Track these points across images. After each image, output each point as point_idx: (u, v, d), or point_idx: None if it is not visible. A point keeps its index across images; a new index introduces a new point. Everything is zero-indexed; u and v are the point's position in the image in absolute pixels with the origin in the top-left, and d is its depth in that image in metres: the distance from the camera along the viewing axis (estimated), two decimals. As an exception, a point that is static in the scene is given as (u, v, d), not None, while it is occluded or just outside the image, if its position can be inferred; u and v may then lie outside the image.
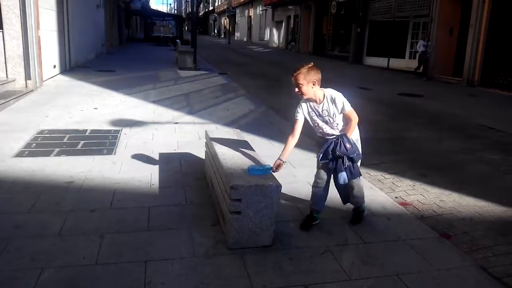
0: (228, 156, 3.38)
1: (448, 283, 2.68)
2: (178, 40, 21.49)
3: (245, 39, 48.00)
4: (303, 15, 29.20)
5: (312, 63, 3.06)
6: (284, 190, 3.06)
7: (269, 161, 3.25)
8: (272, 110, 8.08)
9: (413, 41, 18.41)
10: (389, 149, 5.97)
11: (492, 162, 5.52)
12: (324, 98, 3.06)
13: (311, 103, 3.12)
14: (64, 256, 2.74)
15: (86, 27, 15.30)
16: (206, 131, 4.30)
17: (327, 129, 3.15)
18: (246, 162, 3.26)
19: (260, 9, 41.06)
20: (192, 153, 5.08)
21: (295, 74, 2.98)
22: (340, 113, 3.07)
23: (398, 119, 8.13)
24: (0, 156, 4.65)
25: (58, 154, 4.82)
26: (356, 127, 3.19)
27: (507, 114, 9.25)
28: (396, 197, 4.14)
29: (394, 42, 18.72)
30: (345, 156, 3.03)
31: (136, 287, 2.47)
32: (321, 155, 3.10)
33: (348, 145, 3.01)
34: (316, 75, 2.99)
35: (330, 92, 3.07)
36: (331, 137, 3.13)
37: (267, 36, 39.84)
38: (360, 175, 3.25)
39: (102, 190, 3.85)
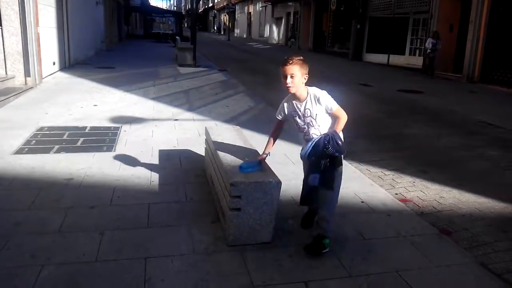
0: (228, 153, 3.37)
1: (448, 279, 2.69)
2: (177, 37, 21.44)
3: (244, 36, 47.89)
4: (303, 12, 29.13)
5: (301, 56, 2.86)
6: (283, 187, 3.05)
7: (269, 158, 3.25)
8: (272, 106, 8.05)
9: (413, 38, 18.39)
10: (389, 145, 5.96)
11: (492, 158, 5.52)
12: (307, 96, 2.84)
13: (293, 101, 2.90)
14: (64, 253, 2.74)
15: (85, 24, 15.25)
16: (206, 128, 4.29)
17: (308, 131, 2.92)
18: (246, 159, 3.26)
19: (260, 6, 40.96)
20: (192, 150, 5.08)
21: (291, 62, 2.74)
22: (326, 113, 2.84)
23: (398, 115, 8.12)
24: (0, 153, 4.64)
25: (58, 151, 4.81)
26: (341, 133, 2.94)
27: (507, 111, 9.25)
28: (396, 194, 4.14)
29: (394, 38, 18.69)
30: (329, 155, 2.75)
31: (136, 284, 2.47)
32: (308, 151, 2.78)
33: (339, 142, 2.76)
34: (306, 69, 2.81)
35: (313, 90, 2.85)
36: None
37: (266, 33, 39.76)
38: (332, 189, 2.85)
39: (102, 187, 3.85)
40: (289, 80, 2.76)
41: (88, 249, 2.79)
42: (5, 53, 8.42)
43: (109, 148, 4.99)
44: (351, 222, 3.37)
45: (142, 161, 4.61)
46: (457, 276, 2.73)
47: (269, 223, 2.98)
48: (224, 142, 3.70)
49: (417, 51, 18.00)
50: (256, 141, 4.92)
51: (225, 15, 52.55)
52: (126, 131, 5.80)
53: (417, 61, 17.25)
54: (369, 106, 8.99)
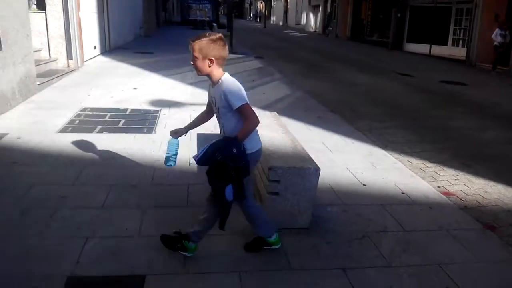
0: (266, 138, 3.36)
1: (492, 275, 2.59)
2: (214, 24, 21.53)
3: (281, 23, 47.45)
4: None
5: (220, 35, 2.40)
6: (322, 174, 3.00)
7: (305, 145, 3.26)
8: (308, 95, 7.98)
9: (456, 28, 17.66)
10: (431, 137, 5.77)
11: (541, 154, 5.25)
12: (217, 83, 2.41)
13: (209, 84, 2.53)
14: (107, 227, 2.83)
15: (124, 10, 15.52)
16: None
17: (219, 123, 2.55)
18: (284, 144, 3.26)
19: (297, -7, 40.40)
20: (229, 134, 5.08)
21: (192, 43, 2.32)
22: (231, 110, 2.35)
23: (441, 107, 7.84)
24: (45, 131, 4.82)
25: (100, 131, 4.95)
26: (257, 136, 2.54)
27: (558, 106, 8.75)
28: (438, 187, 4.01)
29: (436, 28, 17.99)
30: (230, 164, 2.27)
31: (177, 258, 2.52)
32: (199, 156, 2.37)
33: (234, 150, 2.26)
34: (217, 51, 2.35)
35: (225, 78, 2.40)
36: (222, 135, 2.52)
37: (303, 21, 39.23)
38: (245, 197, 2.48)
39: (142, 166, 3.93)
40: (191, 61, 2.39)
41: (130, 224, 2.87)
42: (49, 37, 8.69)
43: (149, 130, 5.08)
44: (391, 213, 3.29)
45: (181, 143, 4.65)
46: (501, 272, 2.63)
47: (307, 209, 2.96)
48: (262, 127, 3.68)
49: (460, 42, 17.29)
50: (293, 128, 4.89)
51: (261, 2, 52.16)
52: (166, 114, 5.89)
53: (460, 52, 16.56)
54: (409, 96, 8.73)
